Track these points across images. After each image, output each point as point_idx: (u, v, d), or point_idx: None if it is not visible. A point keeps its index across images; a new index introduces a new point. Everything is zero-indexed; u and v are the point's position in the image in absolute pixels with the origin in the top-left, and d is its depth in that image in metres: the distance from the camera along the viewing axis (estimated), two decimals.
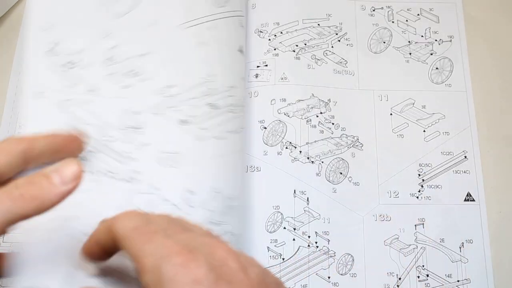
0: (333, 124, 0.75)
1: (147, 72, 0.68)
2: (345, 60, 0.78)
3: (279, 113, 0.75)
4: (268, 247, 0.69)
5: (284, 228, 0.70)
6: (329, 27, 0.80)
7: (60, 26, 0.68)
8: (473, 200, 0.72)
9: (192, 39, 0.71)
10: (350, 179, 0.73)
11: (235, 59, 0.73)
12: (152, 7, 0.72)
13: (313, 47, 0.79)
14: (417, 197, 0.72)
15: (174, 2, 0.73)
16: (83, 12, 0.69)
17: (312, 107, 0.75)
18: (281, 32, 0.79)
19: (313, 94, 0.76)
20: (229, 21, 0.75)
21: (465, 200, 0.72)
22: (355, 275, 0.69)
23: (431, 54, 0.79)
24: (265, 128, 0.74)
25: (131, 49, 0.69)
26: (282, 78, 0.76)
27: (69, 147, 0.53)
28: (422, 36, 0.80)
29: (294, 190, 0.72)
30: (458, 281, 0.69)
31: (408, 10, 0.82)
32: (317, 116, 0.75)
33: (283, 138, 0.74)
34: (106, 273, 0.53)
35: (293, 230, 0.70)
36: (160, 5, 0.72)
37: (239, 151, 0.70)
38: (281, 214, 0.71)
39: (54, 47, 0.67)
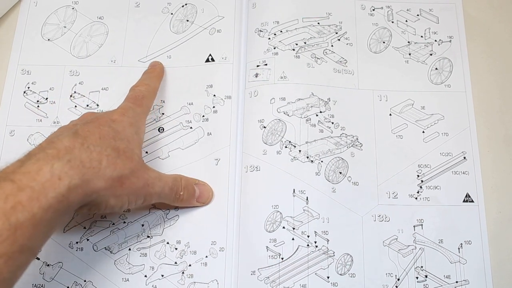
0: (332, 123, 0.75)
1: (104, 104, 0.78)
2: (345, 60, 0.78)
3: (278, 112, 0.75)
4: (267, 247, 0.69)
5: (283, 227, 0.70)
6: (329, 26, 0.80)
7: (36, 67, 0.79)
8: (472, 201, 0.72)
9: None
10: (349, 178, 0.73)
11: (193, 76, 0.79)
12: (114, 46, 0.81)
13: (313, 46, 0.79)
14: (416, 198, 0.72)
15: (137, 39, 0.82)
16: (55, 55, 0.82)
17: (311, 106, 0.75)
18: (281, 31, 0.79)
19: (312, 93, 0.76)
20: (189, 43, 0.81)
21: (464, 201, 0.72)
22: (354, 275, 0.69)
23: (431, 54, 0.79)
24: (264, 127, 0.74)
25: (93, 85, 0.79)
26: (281, 77, 0.76)
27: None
28: (421, 36, 0.80)
29: (294, 190, 0.71)
30: (456, 282, 0.69)
31: (407, 10, 0.82)
32: (317, 115, 0.75)
33: (282, 137, 0.74)
34: None
35: (292, 229, 0.70)
36: (121, 43, 0.81)
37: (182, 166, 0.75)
38: (280, 213, 0.70)
39: (30, 87, 0.78)
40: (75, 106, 0.77)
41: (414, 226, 0.71)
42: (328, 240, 0.70)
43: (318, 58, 0.78)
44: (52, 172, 0.50)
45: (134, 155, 0.61)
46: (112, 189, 0.57)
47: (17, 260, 0.48)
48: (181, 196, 0.68)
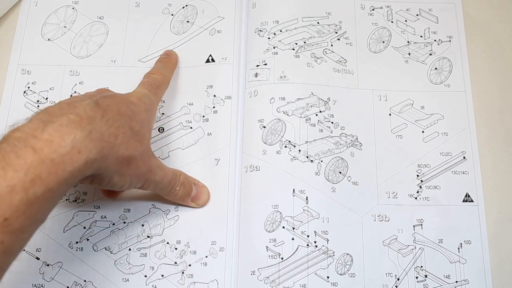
0: (332, 123, 0.75)
1: None
2: (345, 59, 0.78)
3: (278, 111, 0.75)
4: (267, 247, 0.69)
5: (283, 227, 0.70)
6: (328, 25, 0.80)
7: (36, 67, 0.79)
8: (472, 201, 0.72)
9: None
10: (349, 178, 0.73)
11: (192, 76, 0.79)
12: (114, 46, 0.81)
13: (312, 45, 0.79)
14: (416, 198, 0.72)
15: (137, 39, 0.81)
16: (55, 54, 0.81)
17: (311, 106, 0.75)
18: (281, 30, 0.79)
19: (312, 93, 0.76)
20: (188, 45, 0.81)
21: (464, 200, 0.72)
22: (353, 275, 0.69)
23: (430, 54, 0.79)
24: (264, 127, 0.74)
25: (93, 85, 0.78)
26: (281, 77, 0.76)
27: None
28: (421, 36, 0.80)
29: (293, 189, 0.71)
30: (456, 281, 0.69)
31: (407, 10, 0.82)
32: (316, 115, 0.75)
33: (282, 136, 0.74)
34: None
35: (292, 229, 0.70)
36: (121, 43, 0.81)
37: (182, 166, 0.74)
38: (280, 213, 0.70)
39: (30, 87, 0.78)
40: None
41: (413, 226, 0.71)
42: (328, 240, 0.70)
43: (317, 58, 0.78)
44: (73, 144, 0.49)
45: (145, 140, 0.62)
46: (119, 167, 0.57)
47: (28, 233, 0.48)
48: (176, 191, 0.68)
